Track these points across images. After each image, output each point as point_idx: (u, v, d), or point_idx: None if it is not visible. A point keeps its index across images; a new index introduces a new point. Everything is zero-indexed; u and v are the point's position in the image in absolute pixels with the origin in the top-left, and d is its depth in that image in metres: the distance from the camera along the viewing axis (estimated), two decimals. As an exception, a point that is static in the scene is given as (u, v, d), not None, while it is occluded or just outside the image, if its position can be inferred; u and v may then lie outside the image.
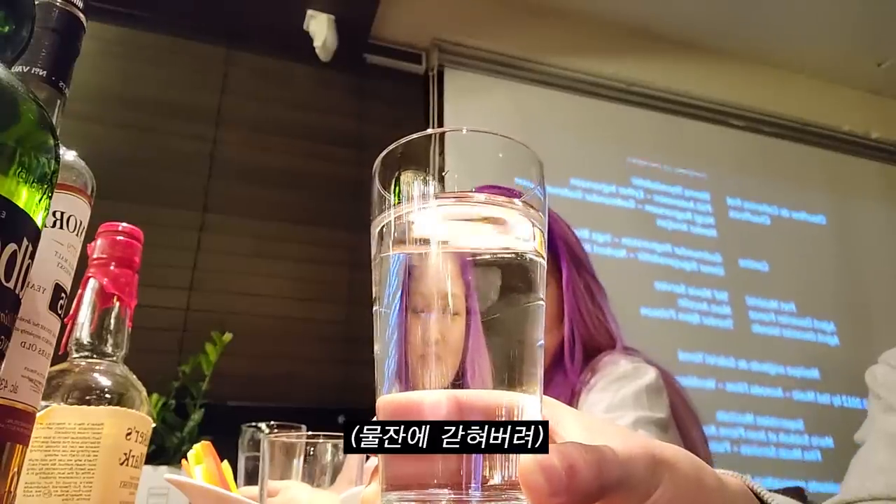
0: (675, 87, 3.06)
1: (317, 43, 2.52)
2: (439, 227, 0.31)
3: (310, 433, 0.73)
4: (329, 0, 2.52)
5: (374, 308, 0.31)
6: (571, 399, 1.00)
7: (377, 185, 0.32)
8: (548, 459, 0.26)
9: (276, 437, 0.74)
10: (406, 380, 0.29)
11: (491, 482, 0.27)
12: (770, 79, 3.21)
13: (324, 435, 0.71)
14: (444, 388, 0.28)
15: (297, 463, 0.70)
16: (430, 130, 0.32)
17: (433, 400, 0.28)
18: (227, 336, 1.85)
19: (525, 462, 0.26)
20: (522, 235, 0.31)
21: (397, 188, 0.31)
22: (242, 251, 2.32)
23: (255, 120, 2.49)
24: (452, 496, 0.26)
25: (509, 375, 0.29)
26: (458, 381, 0.28)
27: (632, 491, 0.27)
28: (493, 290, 0.30)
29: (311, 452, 0.71)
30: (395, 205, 0.31)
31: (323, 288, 2.38)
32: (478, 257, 0.30)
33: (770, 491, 0.34)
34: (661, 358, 2.69)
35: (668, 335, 2.69)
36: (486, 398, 0.28)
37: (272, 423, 0.91)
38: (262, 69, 2.57)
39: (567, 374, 1.02)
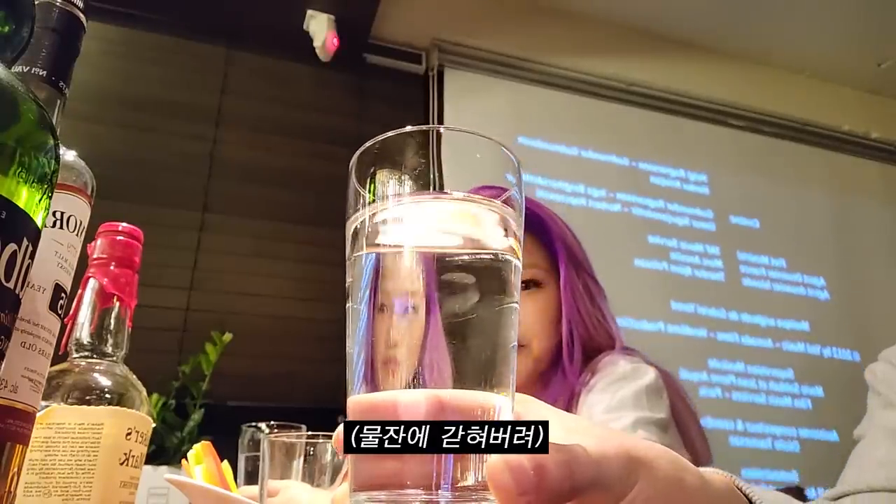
0: (675, 87, 3.06)
1: (317, 43, 2.52)
2: (410, 226, 0.30)
3: (310, 433, 0.73)
4: (329, 0, 2.52)
5: (347, 306, 0.31)
6: (571, 400, 0.99)
7: (353, 181, 0.32)
8: (516, 459, 0.25)
9: (276, 437, 0.74)
10: (370, 379, 0.29)
11: (462, 483, 0.27)
12: (770, 79, 3.21)
13: (324, 435, 0.71)
14: (403, 388, 0.28)
15: (297, 463, 0.70)
16: (407, 128, 0.31)
17: (410, 400, 0.27)
18: (227, 336, 1.85)
19: (492, 461, 0.26)
20: (496, 235, 0.31)
21: (372, 186, 0.31)
22: (242, 251, 2.32)
23: (255, 120, 2.49)
24: (423, 497, 0.26)
25: (477, 376, 0.29)
26: (416, 381, 0.28)
27: (606, 491, 0.27)
28: (462, 291, 0.30)
29: (311, 452, 0.71)
30: (369, 203, 0.31)
31: (323, 288, 2.38)
32: (448, 257, 0.30)
33: (760, 489, 0.34)
34: (653, 307, 2.73)
35: (660, 285, 2.76)
36: (464, 398, 0.28)
37: (272, 423, 0.91)
38: (262, 69, 2.57)
39: (566, 374, 1.02)
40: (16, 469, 0.34)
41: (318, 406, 2.17)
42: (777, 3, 2.86)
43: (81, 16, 0.44)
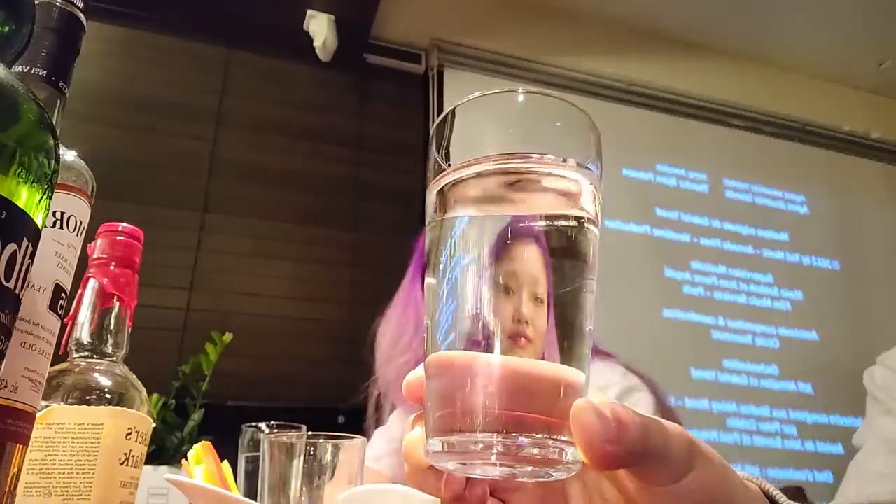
0: (676, 87, 3.06)
1: (317, 43, 2.52)
2: (510, 191, 0.30)
3: (310, 433, 0.73)
4: (329, 0, 2.52)
5: (431, 278, 0.31)
6: None
7: (433, 151, 0.32)
8: (601, 406, 0.26)
9: (276, 437, 0.74)
10: (489, 348, 0.29)
11: (536, 435, 0.27)
12: (770, 79, 3.21)
13: (324, 435, 0.71)
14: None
15: (297, 463, 0.70)
16: (476, 94, 0.31)
17: (484, 361, 0.28)
18: (227, 336, 1.85)
19: (579, 404, 0.26)
20: (592, 209, 0.31)
21: (447, 151, 0.31)
22: (242, 251, 2.32)
23: (255, 120, 2.49)
24: (499, 439, 0.27)
25: (563, 351, 0.29)
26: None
27: (669, 466, 0.28)
28: (566, 267, 0.30)
29: (311, 452, 0.71)
30: (456, 167, 0.30)
31: (323, 288, 2.38)
32: (556, 232, 0.30)
33: (783, 493, 0.34)
34: (639, 212, 2.89)
35: (646, 194, 2.92)
36: (555, 371, 0.28)
37: (272, 423, 0.91)
38: (262, 69, 2.56)
39: None
40: (16, 469, 0.34)
41: (319, 406, 2.17)
42: (777, 2, 2.85)
43: (81, 16, 0.44)
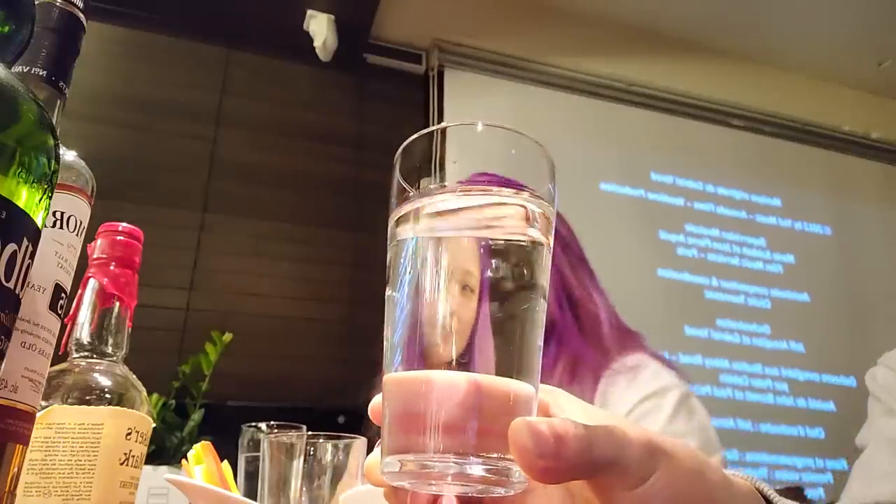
0: (676, 87, 3.06)
1: (317, 43, 2.52)
2: (460, 214, 0.31)
3: (310, 433, 0.73)
4: (329, 0, 2.52)
5: (388, 291, 0.32)
6: (576, 367, 0.96)
7: (398, 175, 0.33)
8: (537, 424, 0.27)
9: (276, 437, 0.74)
10: (414, 352, 0.30)
11: (487, 455, 0.28)
12: (770, 79, 3.21)
13: (324, 435, 0.71)
14: (450, 363, 0.29)
15: (297, 463, 0.70)
16: (443, 124, 0.33)
17: (447, 380, 0.28)
18: (227, 336, 1.85)
19: (516, 422, 0.27)
20: (540, 234, 0.32)
21: (418, 179, 0.33)
22: (242, 251, 2.32)
23: (255, 120, 2.49)
24: (453, 459, 0.28)
25: (512, 365, 0.30)
26: (464, 360, 0.29)
27: (625, 473, 0.28)
28: (507, 282, 0.31)
29: (311, 452, 0.71)
30: (414, 192, 0.32)
31: (323, 288, 2.38)
32: (495, 246, 0.31)
33: (779, 493, 0.34)
34: (634, 174, 2.97)
35: (641, 152, 2.98)
36: (504, 386, 0.29)
37: (272, 423, 0.91)
38: (262, 69, 2.56)
39: (562, 339, 0.97)
40: (16, 469, 0.34)
41: (319, 406, 2.17)
42: (777, 3, 2.85)
43: (81, 16, 0.44)
